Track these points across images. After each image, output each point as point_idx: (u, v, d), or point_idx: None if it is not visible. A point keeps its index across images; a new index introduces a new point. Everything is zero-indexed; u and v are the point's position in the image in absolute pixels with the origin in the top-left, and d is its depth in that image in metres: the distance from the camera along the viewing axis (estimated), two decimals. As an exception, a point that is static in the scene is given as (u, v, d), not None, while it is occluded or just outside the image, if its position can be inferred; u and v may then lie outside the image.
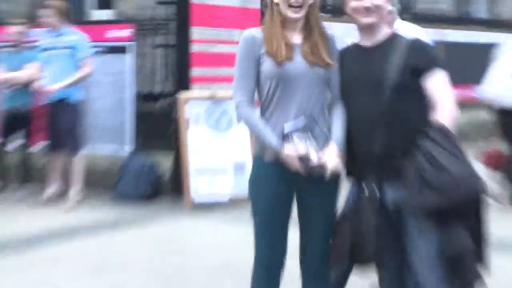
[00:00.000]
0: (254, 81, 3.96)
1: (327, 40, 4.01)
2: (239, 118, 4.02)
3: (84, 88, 9.23)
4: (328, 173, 3.82)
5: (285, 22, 3.97)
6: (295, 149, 3.81)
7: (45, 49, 8.87)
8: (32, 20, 10.02)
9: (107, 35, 9.63)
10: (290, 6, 3.93)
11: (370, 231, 3.81)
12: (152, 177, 9.08)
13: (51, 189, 9.04)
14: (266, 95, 3.96)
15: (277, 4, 3.97)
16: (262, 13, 8.24)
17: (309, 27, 3.99)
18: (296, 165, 3.82)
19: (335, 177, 3.93)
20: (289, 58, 3.89)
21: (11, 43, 9.33)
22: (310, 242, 4.04)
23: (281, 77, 3.89)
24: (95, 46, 9.43)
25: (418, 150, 3.70)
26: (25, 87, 9.07)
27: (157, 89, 10.52)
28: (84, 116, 9.24)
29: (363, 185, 3.90)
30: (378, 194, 3.85)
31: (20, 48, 9.29)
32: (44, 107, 8.97)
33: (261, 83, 3.97)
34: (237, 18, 9.11)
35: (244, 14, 9.15)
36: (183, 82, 9.01)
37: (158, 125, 9.74)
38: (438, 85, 3.85)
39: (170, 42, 10.12)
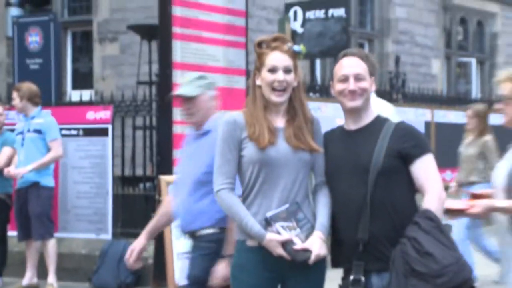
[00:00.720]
0: (235, 166, 4.01)
1: (311, 124, 4.08)
2: (220, 205, 4.05)
3: (63, 171, 9.34)
4: (313, 257, 3.86)
5: (268, 105, 4.04)
6: (278, 235, 3.87)
7: (20, 133, 9.02)
8: (9, 102, 10.20)
9: (87, 116, 9.77)
10: (274, 89, 4.00)
11: (355, 320, 3.85)
12: (133, 263, 9.10)
13: (28, 275, 9.05)
14: (248, 181, 4.00)
15: (259, 86, 4.06)
16: (247, 94, 8.41)
17: (293, 110, 4.06)
18: (279, 251, 3.86)
19: (320, 263, 3.96)
20: (272, 142, 3.94)
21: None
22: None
23: (264, 162, 3.94)
24: (74, 128, 9.59)
25: (404, 237, 3.77)
26: (3, 172, 9.14)
27: (138, 172, 10.62)
28: (61, 200, 9.35)
29: (349, 271, 3.94)
30: (363, 281, 3.89)
31: (1, 131, 9.41)
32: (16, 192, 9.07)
33: (242, 168, 4.01)
34: (221, 99, 9.24)
35: (229, 95, 9.27)
36: (165, 164, 9.09)
37: (139, 209, 9.81)
38: (424, 170, 3.95)
39: (152, 123, 10.28)
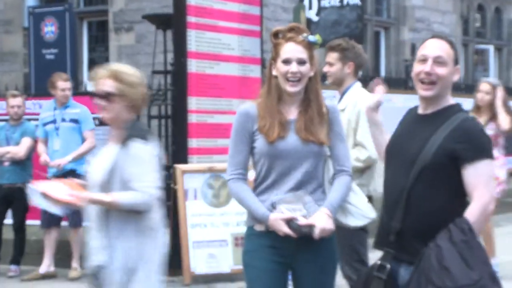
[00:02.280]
0: (247, 156, 4.07)
1: (324, 115, 4.07)
2: (230, 193, 4.13)
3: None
4: (317, 231, 3.89)
5: (283, 96, 4.06)
6: (281, 214, 3.92)
7: (51, 122, 9.12)
8: (27, 92, 10.28)
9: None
10: (288, 80, 4.02)
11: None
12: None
13: (46, 263, 9.14)
14: (260, 171, 4.06)
15: (275, 76, 4.08)
16: (263, 82, 8.44)
17: (307, 101, 4.07)
18: (284, 229, 3.90)
19: (330, 243, 4.03)
20: (282, 137, 3.98)
21: (12, 116, 9.50)
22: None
23: (273, 155, 3.99)
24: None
25: (434, 243, 3.64)
26: (23, 162, 9.26)
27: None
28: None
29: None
30: (389, 268, 3.83)
31: (20, 121, 9.49)
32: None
33: (254, 158, 4.07)
34: (236, 88, 9.27)
35: (244, 84, 9.31)
36: (180, 153, 9.13)
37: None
38: (475, 177, 3.72)
39: (167, 113, 10.34)
